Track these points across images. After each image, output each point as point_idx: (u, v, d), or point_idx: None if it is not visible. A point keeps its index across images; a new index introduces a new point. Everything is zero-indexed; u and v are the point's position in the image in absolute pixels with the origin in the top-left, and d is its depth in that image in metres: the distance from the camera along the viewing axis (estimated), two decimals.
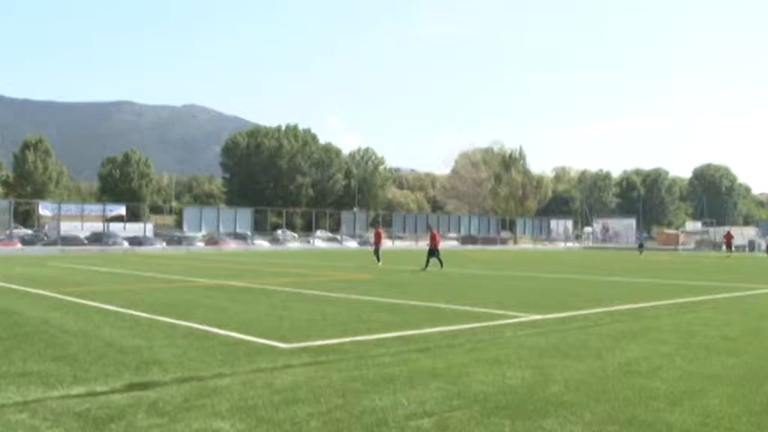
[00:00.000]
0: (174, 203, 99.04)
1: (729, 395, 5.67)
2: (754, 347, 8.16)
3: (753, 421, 4.89)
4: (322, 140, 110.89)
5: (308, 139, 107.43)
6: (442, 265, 25.02)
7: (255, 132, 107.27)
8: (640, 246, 51.97)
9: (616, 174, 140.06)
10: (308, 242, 64.70)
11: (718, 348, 7.98)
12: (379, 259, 28.67)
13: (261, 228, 69.87)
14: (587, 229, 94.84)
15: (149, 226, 64.63)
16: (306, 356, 7.20)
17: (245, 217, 59.69)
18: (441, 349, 7.75)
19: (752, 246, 61.12)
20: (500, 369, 6.62)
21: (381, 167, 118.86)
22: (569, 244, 79.58)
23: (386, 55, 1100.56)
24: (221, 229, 56.98)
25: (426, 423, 4.76)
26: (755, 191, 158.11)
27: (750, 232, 70.30)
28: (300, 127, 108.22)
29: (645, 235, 58.12)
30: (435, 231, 27.25)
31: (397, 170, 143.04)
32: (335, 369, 6.59)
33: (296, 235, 73.72)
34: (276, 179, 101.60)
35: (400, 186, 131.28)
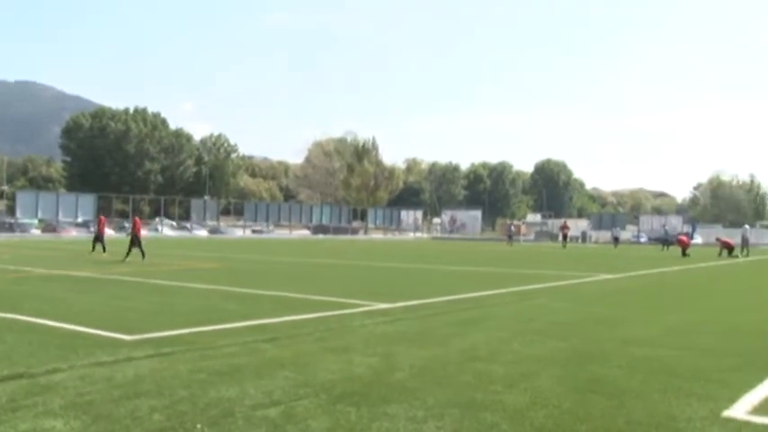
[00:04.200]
0: (5, 187, 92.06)
1: (558, 376, 6.10)
2: (581, 331, 8.81)
3: (576, 399, 5.29)
4: (173, 126, 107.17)
5: (157, 123, 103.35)
6: (143, 255, 22.22)
7: (100, 114, 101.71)
8: (615, 239, 53.66)
9: (465, 166, 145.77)
10: (156, 230, 62.42)
11: (551, 333, 8.54)
12: (94, 249, 25.91)
13: (105, 215, 66.46)
14: (436, 220, 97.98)
15: None
16: (150, 348, 6.96)
17: (87, 203, 56.61)
18: (289, 338, 7.75)
19: (584, 237, 65.64)
20: (347, 357, 6.72)
21: (234, 155, 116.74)
22: (419, 234, 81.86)
23: (241, 42, 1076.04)
24: (61, 216, 53.70)
25: (273, 412, 4.75)
26: (588, 186, 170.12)
27: (583, 224, 75.55)
28: (150, 111, 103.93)
29: (619, 229, 59.02)
30: (136, 218, 24.92)
31: (251, 158, 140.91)
32: (181, 360, 6.42)
33: (174, 224, 71.51)
34: (122, 164, 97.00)
35: (253, 175, 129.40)
